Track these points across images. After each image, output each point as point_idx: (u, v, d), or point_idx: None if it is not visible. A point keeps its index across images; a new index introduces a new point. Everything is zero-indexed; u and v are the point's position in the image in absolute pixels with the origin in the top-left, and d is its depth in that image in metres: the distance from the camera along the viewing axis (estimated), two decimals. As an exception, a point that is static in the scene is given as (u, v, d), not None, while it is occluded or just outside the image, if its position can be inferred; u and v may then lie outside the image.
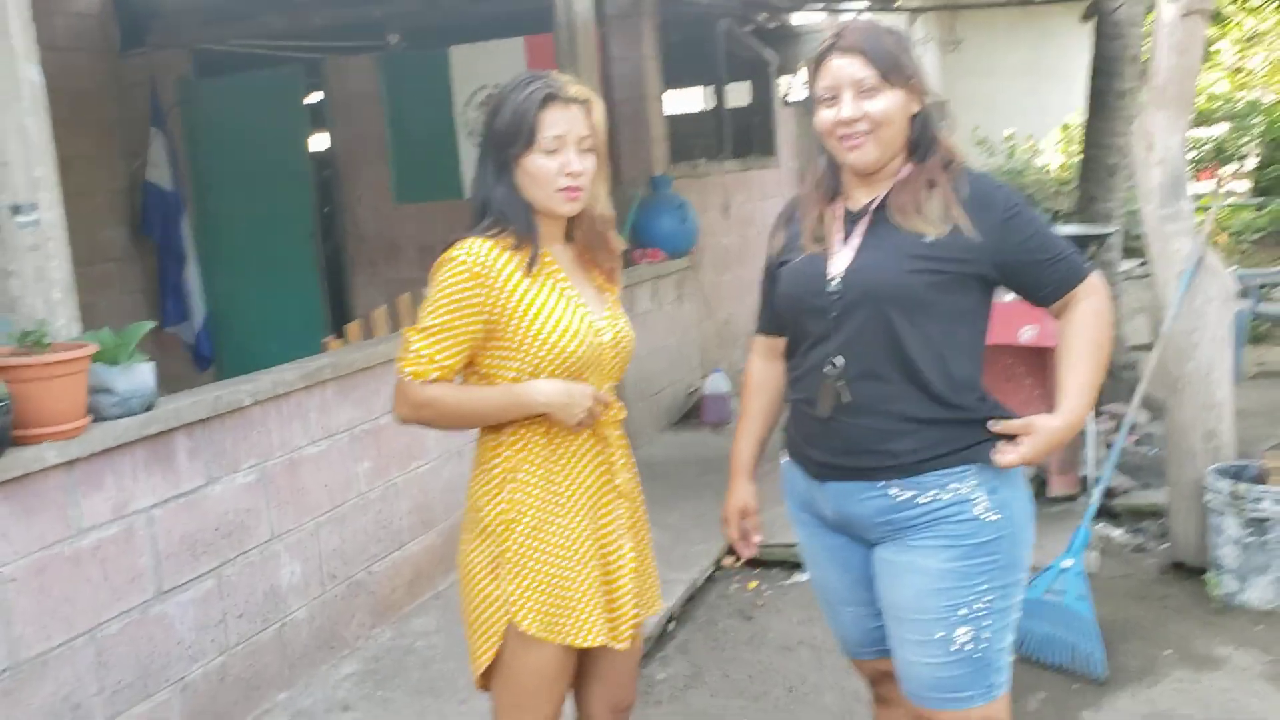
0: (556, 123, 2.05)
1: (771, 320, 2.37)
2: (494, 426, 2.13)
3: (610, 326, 2.18)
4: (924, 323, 2.08)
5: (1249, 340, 8.19)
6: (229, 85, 8.03)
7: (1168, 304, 4.27)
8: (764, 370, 2.44)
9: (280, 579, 3.55)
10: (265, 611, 3.48)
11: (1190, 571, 4.31)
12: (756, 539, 2.50)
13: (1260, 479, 4.03)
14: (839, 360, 2.11)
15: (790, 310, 2.23)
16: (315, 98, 8.12)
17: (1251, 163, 9.64)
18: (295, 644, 3.61)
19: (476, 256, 2.03)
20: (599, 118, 2.12)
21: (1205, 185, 14.06)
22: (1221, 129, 9.16)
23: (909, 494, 2.10)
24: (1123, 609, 4.09)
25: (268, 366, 3.70)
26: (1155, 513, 4.88)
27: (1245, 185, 12.26)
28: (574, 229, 2.19)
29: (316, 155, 8.19)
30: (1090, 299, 2.14)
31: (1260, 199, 9.24)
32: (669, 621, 4.21)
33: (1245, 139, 8.11)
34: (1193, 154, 8.53)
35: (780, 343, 2.34)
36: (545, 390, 2.07)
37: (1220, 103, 8.51)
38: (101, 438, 2.87)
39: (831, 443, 2.17)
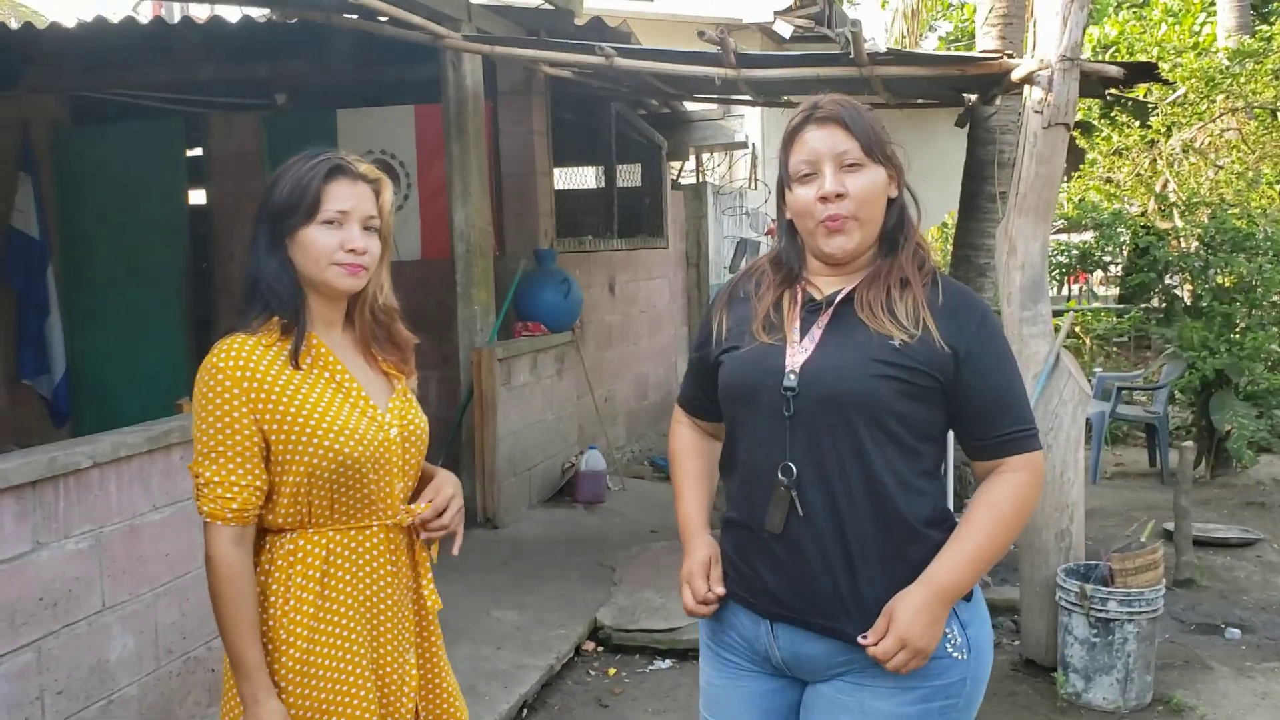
0: (342, 197, 1.93)
1: (704, 406, 2.13)
2: (268, 530, 1.95)
3: (397, 420, 2.00)
4: (889, 436, 1.86)
5: (1107, 441, 8.47)
6: (106, 134, 7.82)
7: (1025, 404, 4.38)
8: (696, 436, 2.19)
9: (110, 653, 3.36)
10: (89, 687, 3.28)
11: (1040, 669, 4.38)
12: (719, 589, 2.03)
13: (1107, 580, 4.13)
14: (791, 468, 1.88)
15: (733, 404, 1.99)
16: (195, 152, 7.95)
17: (1116, 270, 10.07)
18: (121, 723, 3.41)
19: (236, 360, 1.88)
20: (387, 201, 2.01)
21: (1075, 288, 14.67)
22: (1089, 236, 9.56)
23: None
24: (974, 705, 4.12)
25: (128, 424, 3.54)
26: (1009, 608, 4.95)
27: (1112, 290, 12.83)
28: (354, 315, 2.04)
29: (193, 210, 8.00)
30: (1022, 473, 1.89)
31: (1123, 305, 9.64)
32: (522, 708, 4.10)
33: (1110, 247, 8.46)
34: (1062, 259, 8.86)
35: (710, 427, 2.15)
36: (266, 692, 1.89)
37: (1087, 211, 8.89)
38: (-84, 498, 2.69)
39: (785, 573, 1.91)
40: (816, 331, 1.92)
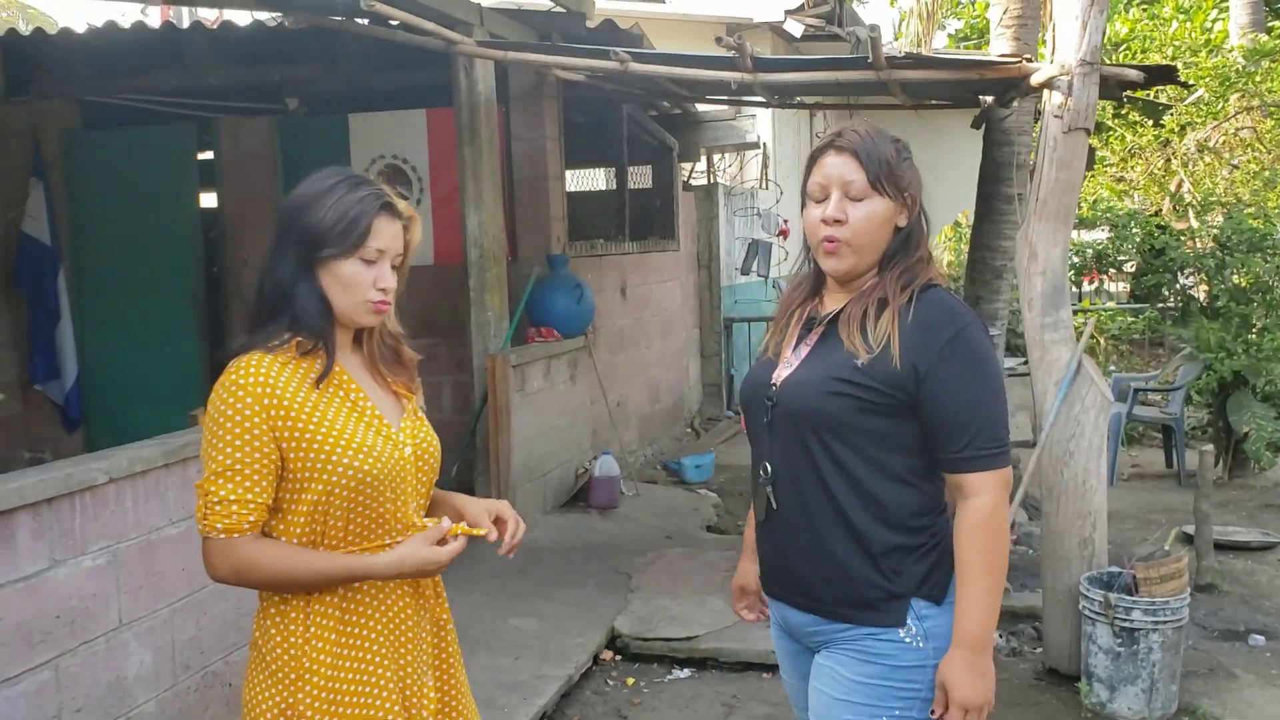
0: (383, 234, 1.92)
1: None
2: None
3: (410, 439, 2.00)
4: (850, 448, 2.01)
5: (1124, 442, 8.42)
6: (117, 139, 7.79)
7: (1046, 411, 4.34)
8: None
9: (127, 670, 3.33)
10: (108, 705, 3.25)
11: (1063, 678, 4.34)
12: (753, 616, 2.40)
13: (1131, 589, 4.09)
14: (768, 467, 2.11)
15: (743, 409, 2.24)
16: (206, 156, 7.93)
17: (1130, 269, 10.02)
18: (139, 739, 3.38)
19: (256, 377, 1.85)
20: (415, 239, 2.01)
21: (1089, 286, 14.60)
22: (1103, 234, 9.52)
23: (837, 620, 2.07)
24: (996, 714, 4.06)
25: (140, 430, 3.52)
26: (1031, 615, 4.91)
27: (1124, 285, 12.77)
28: (363, 339, 2.04)
29: (205, 215, 7.99)
30: (981, 497, 1.98)
31: (1137, 305, 9.58)
32: None
33: (1125, 246, 8.42)
34: (1076, 259, 8.81)
35: None
36: (388, 565, 1.90)
37: (1102, 211, 8.84)
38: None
39: (771, 555, 2.16)
40: (804, 349, 2.11)
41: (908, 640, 2.01)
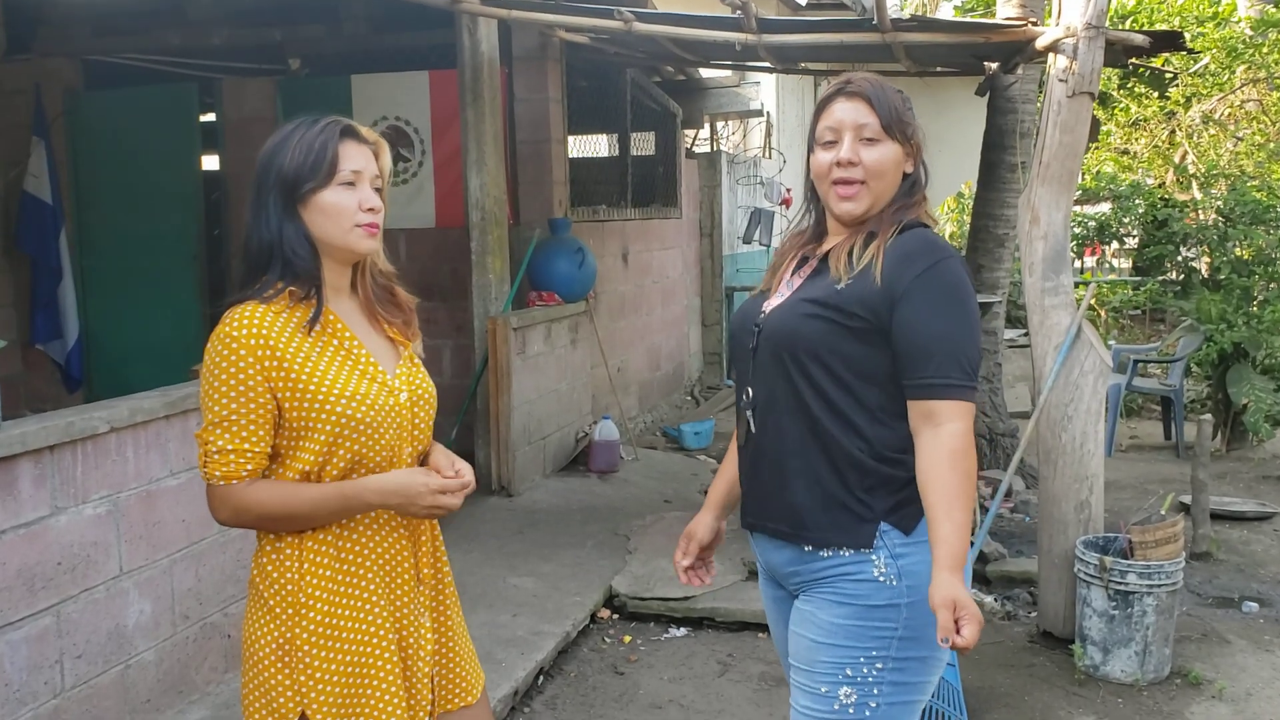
0: (354, 157, 1.95)
1: None
2: None
3: (406, 385, 2.02)
4: (826, 371, 2.03)
5: (1122, 414, 8.43)
6: (119, 98, 7.76)
7: (1045, 375, 4.35)
8: None
9: (127, 618, 3.36)
10: (108, 653, 3.28)
11: (1058, 641, 4.37)
12: (686, 565, 2.35)
13: (1127, 553, 4.11)
14: (749, 391, 2.14)
15: (731, 342, 2.28)
16: (208, 118, 7.90)
17: (1132, 242, 10.00)
18: (140, 688, 3.41)
19: (250, 328, 1.87)
20: (386, 163, 2.03)
21: (1090, 260, 14.58)
22: (1106, 208, 9.49)
23: (812, 547, 2.07)
24: (989, 677, 4.12)
25: (141, 390, 3.52)
26: (1027, 580, 4.94)
27: (1126, 263, 12.73)
28: (357, 281, 2.05)
29: (207, 176, 7.97)
30: (955, 423, 1.96)
31: (1138, 278, 9.57)
32: (538, 675, 4.10)
33: (1127, 219, 8.39)
34: (1078, 230, 8.78)
35: None
36: (379, 488, 1.91)
37: (1106, 182, 8.81)
38: (-65, 461, 2.68)
39: (748, 482, 2.18)
40: (796, 281, 2.15)
41: (881, 579, 2.02)
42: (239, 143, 7.65)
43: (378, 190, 2.00)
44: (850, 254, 2.06)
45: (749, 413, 2.15)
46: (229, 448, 1.88)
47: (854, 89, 2.10)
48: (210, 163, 8.08)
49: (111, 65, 7.71)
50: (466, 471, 2.02)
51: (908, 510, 2.04)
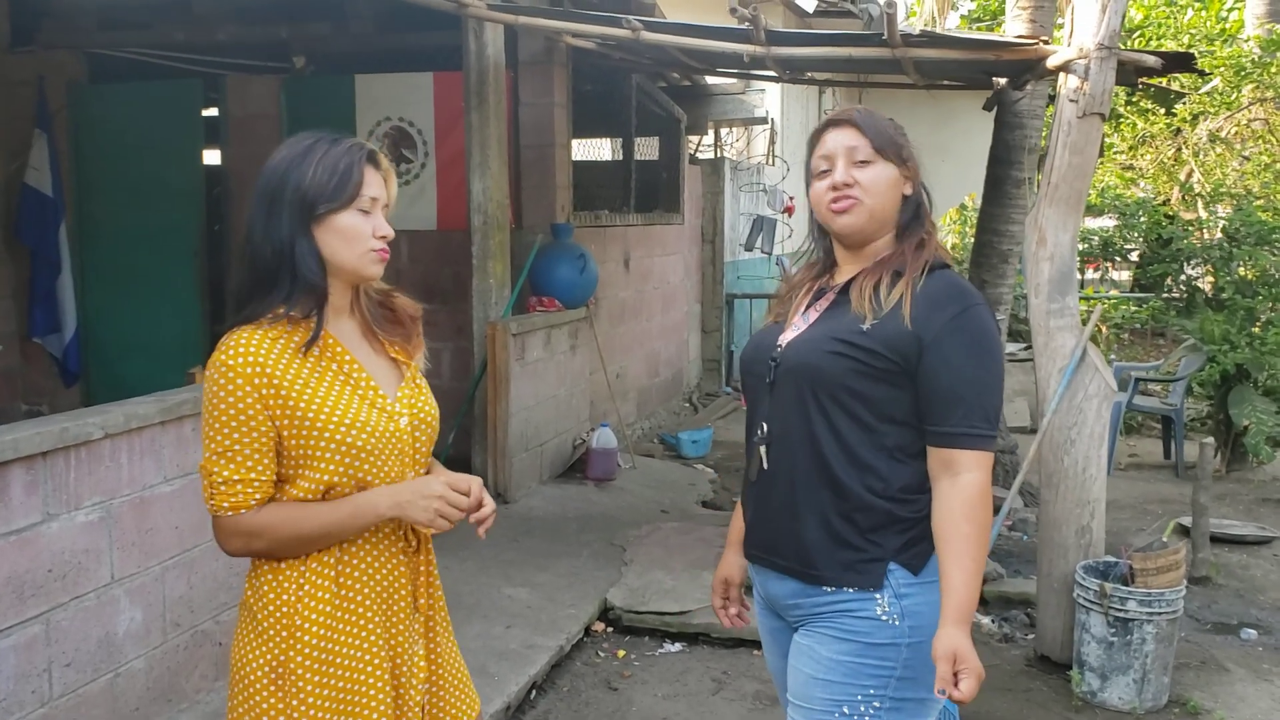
0: (373, 184, 1.93)
1: None
2: None
3: (407, 409, 1.98)
4: (844, 411, 2.01)
5: (1122, 431, 8.41)
6: (123, 92, 7.74)
7: (1049, 397, 4.32)
8: None
9: (118, 626, 3.32)
10: (97, 661, 3.25)
11: (1055, 666, 4.33)
12: (734, 611, 2.38)
13: (1127, 579, 4.07)
14: (764, 426, 2.11)
15: (743, 374, 2.24)
16: (211, 113, 7.87)
17: (1135, 258, 9.98)
18: (129, 696, 3.37)
19: (246, 356, 1.83)
20: (394, 191, 2.02)
21: (1092, 274, 14.56)
22: (1109, 222, 9.48)
23: (818, 584, 2.05)
24: (986, 700, 4.08)
25: (138, 386, 3.51)
26: (1024, 601, 4.91)
27: (1126, 274, 12.70)
28: (356, 299, 2.02)
29: (209, 172, 7.93)
30: (974, 473, 1.97)
31: (1140, 295, 9.54)
32: (531, 689, 4.07)
33: (1131, 236, 8.37)
34: (1082, 246, 8.76)
35: None
36: (387, 498, 1.89)
37: (1110, 198, 8.79)
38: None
39: (757, 516, 2.16)
40: (813, 314, 2.12)
41: (884, 618, 2.00)
42: (242, 140, 7.62)
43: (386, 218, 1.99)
44: (876, 292, 2.03)
45: (763, 448, 2.11)
46: (235, 478, 1.85)
47: (843, 118, 2.12)
48: (212, 159, 8.05)
49: (116, 59, 7.69)
50: (477, 492, 1.97)
51: (917, 549, 2.03)
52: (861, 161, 2.07)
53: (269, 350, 1.85)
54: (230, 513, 1.86)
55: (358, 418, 1.89)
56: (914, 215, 2.12)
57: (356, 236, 1.91)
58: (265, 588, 1.91)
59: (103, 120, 7.65)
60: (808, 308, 2.15)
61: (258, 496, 1.86)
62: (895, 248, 2.10)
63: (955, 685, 1.85)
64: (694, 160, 10.64)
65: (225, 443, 1.84)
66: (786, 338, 2.12)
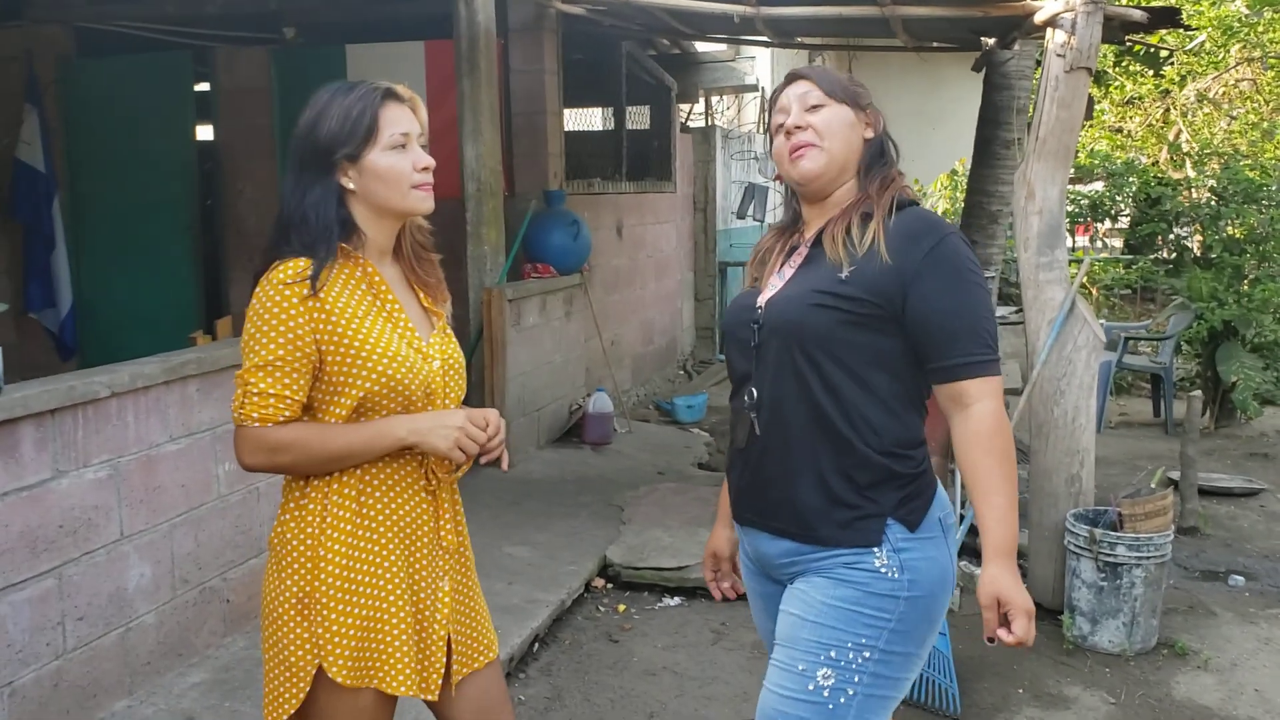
0: (399, 120, 1.94)
1: None
2: None
3: (439, 354, 2.04)
4: (835, 362, 1.98)
5: (1113, 391, 8.49)
6: (113, 66, 7.73)
7: (1038, 350, 4.38)
8: None
9: (128, 581, 3.39)
10: (109, 615, 3.31)
11: (1047, 612, 4.41)
12: (725, 585, 2.40)
13: (1116, 525, 4.15)
14: (754, 392, 2.07)
15: (726, 342, 2.21)
16: (202, 87, 7.87)
17: (1124, 220, 10.03)
18: (140, 650, 3.44)
19: (301, 278, 1.88)
20: (424, 118, 2.03)
21: (1081, 240, 14.59)
22: (1099, 186, 9.52)
23: (813, 544, 2.03)
24: (979, 647, 4.16)
25: (137, 358, 3.54)
26: (1018, 553, 4.99)
27: (1118, 241, 12.74)
28: (401, 243, 2.06)
29: (201, 145, 7.94)
30: (985, 402, 1.96)
31: (1130, 256, 9.60)
32: (534, 642, 4.14)
33: (1120, 197, 8.43)
34: (1071, 208, 8.81)
35: None
36: (406, 424, 1.94)
37: (1099, 161, 8.84)
38: (-62, 423, 2.70)
39: (748, 483, 2.11)
40: (789, 270, 2.10)
41: (882, 570, 1.97)
42: (233, 112, 7.63)
43: (425, 147, 2.00)
44: (848, 235, 2.02)
45: (753, 415, 2.08)
46: (270, 391, 1.89)
47: (795, 75, 2.16)
48: (204, 132, 8.05)
49: (105, 32, 7.67)
50: (495, 423, 2.03)
51: (914, 505, 2.01)
52: (814, 106, 2.08)
53: (321, 277, 1.90)
54: (258, 424, 1.90)
55: (399, 352, 1.95)
56: (876, 158, 2.11)
57: (399, 175, 1.94)
58: (290, 521, 1.98)
59: (93, 94, 7.65)
60: (782, 265, 2.12)
61: (287, 414, 1.91)
62: (859, 193, 2.09)
63: (1009, 629, 1.87)
64: (685, 129, 10.66)
65: (269, 356, 1.88)
66: (765, 297, 2.09)
